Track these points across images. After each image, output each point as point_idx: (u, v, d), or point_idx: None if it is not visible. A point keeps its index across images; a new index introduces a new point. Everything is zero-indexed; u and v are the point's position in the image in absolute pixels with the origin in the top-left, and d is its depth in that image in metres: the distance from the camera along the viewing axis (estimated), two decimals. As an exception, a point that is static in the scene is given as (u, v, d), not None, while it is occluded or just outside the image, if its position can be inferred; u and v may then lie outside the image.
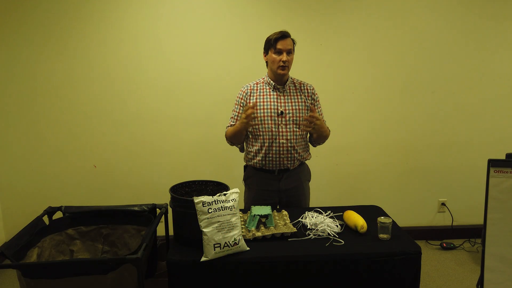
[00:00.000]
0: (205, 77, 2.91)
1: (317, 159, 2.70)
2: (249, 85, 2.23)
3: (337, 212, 2.05)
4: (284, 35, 2.07)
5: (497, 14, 2.96)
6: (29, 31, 2.75)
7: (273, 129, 2.14)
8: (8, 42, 2.75)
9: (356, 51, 2.96)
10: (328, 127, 2.28)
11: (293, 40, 2.13)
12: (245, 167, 2.34)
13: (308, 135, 2.31)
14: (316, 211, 2.05)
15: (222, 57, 2.89)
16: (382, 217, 1.81)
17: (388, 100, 3.07)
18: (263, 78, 2.24)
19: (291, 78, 2.23)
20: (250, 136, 2.23)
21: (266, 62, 2.19)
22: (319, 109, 2.27)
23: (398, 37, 2.97)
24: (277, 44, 2.07)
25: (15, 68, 2.80)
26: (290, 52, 2.09)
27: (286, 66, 2.09)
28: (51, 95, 2.85)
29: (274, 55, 2.09)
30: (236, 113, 2.23)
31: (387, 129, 3.11)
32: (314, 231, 1.85)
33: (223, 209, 1.65)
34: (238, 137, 2.17)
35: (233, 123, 2.22)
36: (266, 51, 2.16)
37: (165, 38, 2.84)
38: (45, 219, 1.93)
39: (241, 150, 2.32)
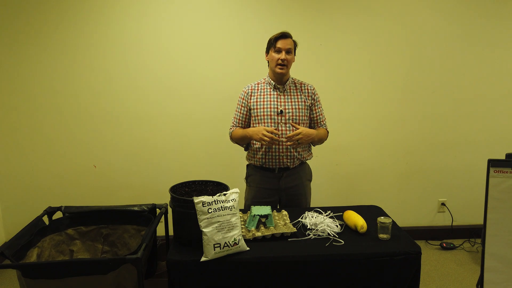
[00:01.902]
0: (206, 77, 2.91)
1: (317, 158, 2.70)
2: (250, 85, 2.26)
3: (337, 212, 2.05)
4: (284, 35, 2.11)
5: (497, 13, 2.96)
6: (30, 31, 2.75)
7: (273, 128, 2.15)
8: (9, 43, 2.75)
9: (356, 51, 2.96)
10: (326, 128, 2.30)
11: (294, 42, 2.16)
12: (247, 165, 2.35)
13: None
14: (316, 211, 2.05)
15: (223, 57, 2.89)
16: (382, 217, 1.81)
17: (388, 100, 3.07)
18: (264, 79, 2.26)
19: (292, 78, 2.25)
20: None
21: (268, 62, 2.21)
22: (319, 109, 2.28)
23: (398, 36, 2.97)
24: (277, 43, 2.11)
25: (15, 68, 2.80)
26: (289, 51, 2.12)
27: (284, 64, 2.11)
28: (51, 95, 2.85)
29: (273, 54, 2.13)
30: (238, 113, 2.26)
31: (387, 129, 3.11)
32: (314, 231, 1.85)
33: (223, 209, 1.65)
34: (245, 141, 2.23)
35: (236, 123, 2.26)
36: (267, 51, 2.19)
37: (165, 38, 2.84)
38: (45, 219, 1.94)
39: (246, 148, 2.33)
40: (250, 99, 2.21)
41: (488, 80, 3.07)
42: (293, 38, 2.15)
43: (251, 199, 2.27)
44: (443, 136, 3.15)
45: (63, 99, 2.87)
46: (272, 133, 2.05)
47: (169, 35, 2.83)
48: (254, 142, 2.22)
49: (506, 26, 2.98)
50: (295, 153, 2.19)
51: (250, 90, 2.23)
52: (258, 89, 2.23)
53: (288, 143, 2.09)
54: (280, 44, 2.10)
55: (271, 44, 2.14)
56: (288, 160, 2.19)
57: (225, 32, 2.86)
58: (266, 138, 2.03)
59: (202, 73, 2.91)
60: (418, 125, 3.12)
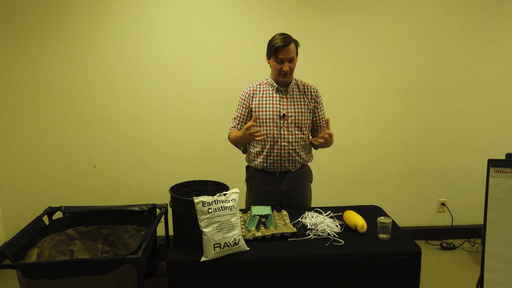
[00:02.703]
0: (206, 77, 2.91)
1: (317, 159, 2.70)
2: (251, 86, 2.20)
3: (337, 212, 2.05)
4: (285, 44, 1.99)
5: (497, 14, 2.96)
6: (29, 32, 2.75)
7: (275, 132, 2.12)
8: (8, 43, 2.75)
9: (356, 51, 2.96)
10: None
11: (296, 43, 2.07)
12: (247, 167, 2.34)
13: (311, 137, 2.31)
14: (316, 211, 2.05)
15: (223, 57, 2.89)
16: (382, 217, 1.81)
17: (388, 100, 3.07)
18: (266, 79, 2.20)
19: (295, 80, 2.19)
20: None
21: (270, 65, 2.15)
22: (322, 112, 2.25)
23: (398, 37, 2.96)
24: (278, 53, 2.01)
25: (15, 69, 2.80)
26: (292, 60, 2.04)
27: (288, 73, 2.06)
28: (51, 95, 2.85)
29: (275, 63, 2.05)
30: (239, 114, 2.21)
31: (387, 129, 3.11)
32: (314, 231, 1.85)
33: (223, 209, 1.65)
34: (240, 143, 2.20)
35: (236, 124, 2.22)
36: (268, 56, 2.11)
37: (165, 38, 2.84)
38: (45, 219, 1.93)
39: (244, 151, 2.32)
40: (252, 100, 2.16)
41: (488, 81, 3.07)
42: (294, 38, 2.06)
43: (252, 202, 2.25)
44: (443, 136, 3.15)
45: (63, 100, 2.87)
46: (255, 131, 1.98)
47: (169, 36, 2.83)
48: (255, 145, 2.20)
49: (506, 27, 2.98)
50: (296, 157, 2.17)
51: (251, 91, 2.18)
52: (260, 91, 2.17)
53: (319, 140, 2.04)
54: (282, 54, 2.01)
55: (272, 52, 2.04)
56: (290, 164, 2.18)
57: (225, 32, 2.86)
58: (258, 138, 1.98)
59: (202, 73, 2.90)
60: (418, 125, 3.12)
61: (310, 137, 2.29)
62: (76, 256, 1.98)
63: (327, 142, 2.08)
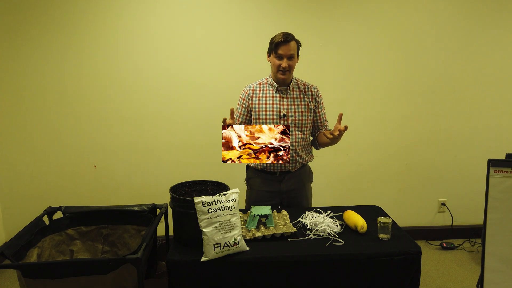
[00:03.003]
0: (206, 77, 2.91)
1: (317, 159, 2.70)
2: (251, 86, 2.19)
3: (337, 212, 2.05)
4: (286, 40, 2.00)
5: (497, 13, 2.96)
6: (27, 33, 2.74)
7: None
8: (6, 44, 2.75)
9: (356, 51, 2.96)
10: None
11: (297, 42, 2.06)
12: (247, 167, 2.34)
13: (311, 138, 2.31)
14: (316, 211, 2.05)
15: (223, 57, 2.89)
16: (382, 217, 1.81)
17: (388, 100, 3.07)
18: (266, 79, 2.19)
19: (295, 79, 2.18)
20: None
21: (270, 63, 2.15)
22: (323, 111, 2.25)
23: (398, 37, 2.96)
24: (278, 49, 2.02)
25: (14, 69, 2.79)
26: (291, 57, 2.04)
27: (286, 71, 2.05)
28: (51, 96, 2.85)
29: (275, 59, 2.05)
30: (238, 114, 2.21)
31: (387, 129, 3.11)
32: (314, 231, 1.85)
33: (223, 209, 1.65)
34: None
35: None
36: (269, 53, 2.11)
37: (165, 39, 2.84)
38: (45, 219, 1.94)
39: None
40: (252, 100, 2.16)
41: (488, 80, 3.07)
42: (295, 38, 2.06)
43: (252, 202, 2.25)
44: (443, 136, 3.15)
45: (63, 100, 2.87)
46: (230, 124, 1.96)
47: (169, 36, 2.83)
48: None
49: (505, 27, 2.98)
50: (297, 157, 2.17)
51: (251, 91, 2.17)
52: (260, 90, 2.16)
53: (335, 133, 2.00)
54: (281, 50, 2.01)
55: (272, 48, 2.05)
56: (290, 164, 2.17)
57: (224, 31, 2.86)
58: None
59: (202, 73, 2.90)
60: (418, 125, 3.12)
61: (311, 137, 2.29)
62: (76, 256, 1.98)
63: (339, 137, 2.04)
